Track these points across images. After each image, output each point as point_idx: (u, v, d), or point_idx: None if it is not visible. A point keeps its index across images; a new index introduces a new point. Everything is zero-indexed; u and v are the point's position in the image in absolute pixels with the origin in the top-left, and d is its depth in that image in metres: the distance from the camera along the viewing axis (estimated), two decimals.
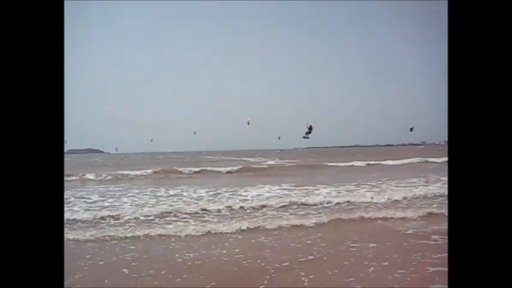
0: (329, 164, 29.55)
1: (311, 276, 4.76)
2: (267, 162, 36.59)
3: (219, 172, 24.11)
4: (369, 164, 29.14)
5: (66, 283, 3.79)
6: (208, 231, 7.34)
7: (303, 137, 14.60)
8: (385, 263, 5.27)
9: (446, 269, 2.07)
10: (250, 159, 45.13)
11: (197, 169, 24.71)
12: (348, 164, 29.25)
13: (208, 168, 25.60)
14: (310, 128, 14.21)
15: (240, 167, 26.42)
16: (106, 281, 4.71)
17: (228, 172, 24.04)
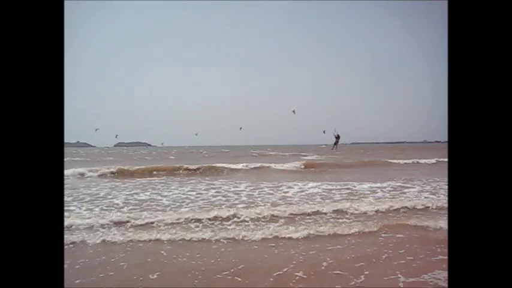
0: (390, 160, 27.56)
1: (330, 261, 5.14)
2: (322, 158, 34.54)
3: (287, 169, 22.83)
4: (438, 161, 27.12)
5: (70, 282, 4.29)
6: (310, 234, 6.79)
7: (331, 150, 14.10)
8: (402, 251, 5.53)
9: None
10: (302, 154, 42.81)
11: (267, 165, 23.88)
12: (413, 160, 27.42)
13: (274, 165, 24.13)
14: (338, 137, 13.74)
15: (303, 162, 24.57)
16: (148, 259, 5.26)
17: (305, 167, 23.00)
